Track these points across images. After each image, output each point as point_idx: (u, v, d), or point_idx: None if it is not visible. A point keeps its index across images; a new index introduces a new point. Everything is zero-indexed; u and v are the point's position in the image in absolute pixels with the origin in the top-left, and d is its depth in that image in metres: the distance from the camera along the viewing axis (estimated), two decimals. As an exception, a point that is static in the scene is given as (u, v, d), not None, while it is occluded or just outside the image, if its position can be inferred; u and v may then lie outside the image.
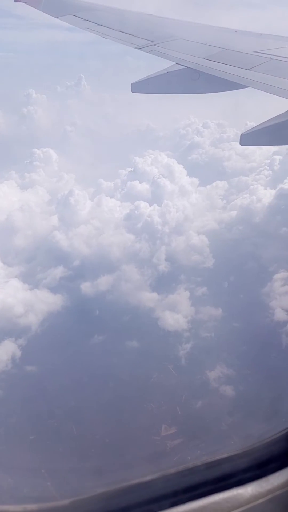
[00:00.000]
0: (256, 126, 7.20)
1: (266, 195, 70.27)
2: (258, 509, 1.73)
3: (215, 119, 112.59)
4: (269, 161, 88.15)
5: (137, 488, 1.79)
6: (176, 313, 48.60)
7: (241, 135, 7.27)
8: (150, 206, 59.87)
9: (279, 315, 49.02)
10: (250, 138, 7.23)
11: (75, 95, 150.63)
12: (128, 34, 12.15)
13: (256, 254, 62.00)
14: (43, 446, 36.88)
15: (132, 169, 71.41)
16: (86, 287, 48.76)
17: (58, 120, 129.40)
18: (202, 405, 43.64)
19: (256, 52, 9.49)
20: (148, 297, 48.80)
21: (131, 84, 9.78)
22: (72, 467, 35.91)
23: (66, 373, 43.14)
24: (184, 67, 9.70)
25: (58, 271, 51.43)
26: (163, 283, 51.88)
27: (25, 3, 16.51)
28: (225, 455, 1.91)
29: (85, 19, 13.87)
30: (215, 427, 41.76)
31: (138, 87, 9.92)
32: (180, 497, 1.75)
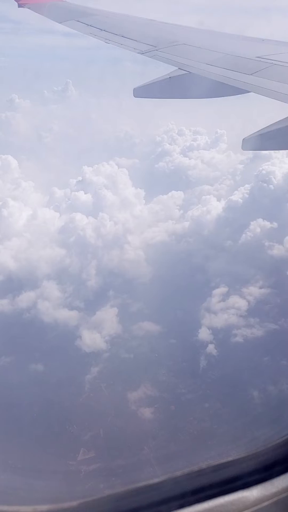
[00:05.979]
0: (258, 130, 7.04)
1: (217, 207, 68.41)
2: (263, 511, 1.77)
3: (203, 126, 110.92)
4: (232, 170, 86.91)
5: (144, 490, 1.81)
6: (98, 331, 46.76)
7: (243, 139, 7.06)
8: (87, 218, 58.04)
9: (203, 334, 47.11)
10: (252, 142, 7.06)
11: (61, 100, 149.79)
12: (130, 39, 12.22)
13: (201, 268, 60.52)
14: None
15: (81, 178, 69.71)
16: (2, 304, 46.99)
17: (35, 126, 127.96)
18: (128, 427, 42.17)
19: (259, 57, 9.49)
20: (69, 315, 46.98)
21: (134, 88, 9.73)
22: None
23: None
24: (187, 72, 9.70)
25: (-23, 288, 49.77)
26: (90, 300, 50.09)
27: (28, 8, 16.71)
28: (231, 459, 1.93)
29: (88, 25, 13.99)
30: (136, 451, 40.36)
31: (141, 91, 9.86)
32: (186, 500, 1.78)
